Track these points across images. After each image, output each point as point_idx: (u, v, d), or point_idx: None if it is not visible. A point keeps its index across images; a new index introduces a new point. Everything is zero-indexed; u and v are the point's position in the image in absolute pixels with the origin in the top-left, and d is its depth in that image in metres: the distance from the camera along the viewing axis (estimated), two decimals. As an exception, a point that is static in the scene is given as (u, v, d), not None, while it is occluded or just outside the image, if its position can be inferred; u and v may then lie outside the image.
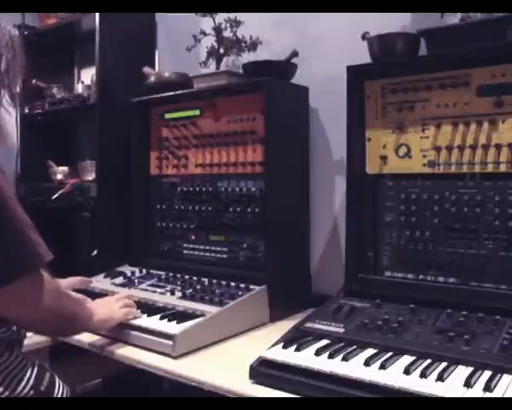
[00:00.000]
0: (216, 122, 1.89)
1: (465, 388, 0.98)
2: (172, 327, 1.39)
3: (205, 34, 1.92)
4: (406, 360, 1.13)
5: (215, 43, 1.91)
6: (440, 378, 1.02)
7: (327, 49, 1.86)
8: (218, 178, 1.88)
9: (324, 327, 1.31)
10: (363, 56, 1.53)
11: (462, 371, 1.06)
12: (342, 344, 1.23)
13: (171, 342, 1.34)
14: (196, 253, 1.96)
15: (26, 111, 2.49)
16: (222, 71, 1.87)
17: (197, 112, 1.94)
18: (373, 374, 1.06)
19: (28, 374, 1.12)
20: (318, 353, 1.17)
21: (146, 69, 2.10)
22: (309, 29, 1.91)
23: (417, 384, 1.01)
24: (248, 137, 1.78)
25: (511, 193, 1.35)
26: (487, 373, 1.04)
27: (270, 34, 1.93)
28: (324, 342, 1.25)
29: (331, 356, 1.15)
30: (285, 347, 1.22)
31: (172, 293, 1.68)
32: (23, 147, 2.53)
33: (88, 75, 2.47)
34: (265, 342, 1.29)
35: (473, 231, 1.40)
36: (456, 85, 1.41)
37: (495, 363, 1.06)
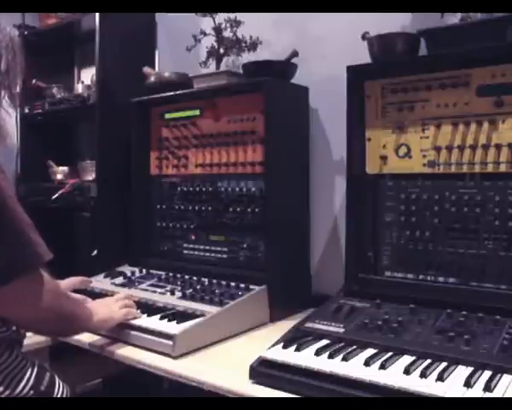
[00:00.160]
0: (216, 122, 1.89)
1: (465, 388, 0.98)
2: (172, 327, 1.39)
3: (205, 34, 1.92)
4: (406, 360, 1.13)
5: (215, 43, 1.91)
6: (440, 378, 1.02)
7: (327, 49, 1.86)
8: (218, 178, 1.88)
9: (324, 327, 1.31)
10: (363, 56, 1.53)
11: (462, 371, 1.06)
12: (342, 344, 1.23)
13: (171, 342, 1.34)
14: (196, 253, 1.96)
15: (26, 111, 2.49)
16: (222, 71, 1.87)
17: (197, 112, 1.94)
18: (373, 374, 1.06)
19: (28, 374, 1.12)
20: (318, 353, 1.17)
21: (146, 69, 2.10)
22: (309, 29, 1.91)
23: (417, 384, 1.01)
24: (248, 137, 1.78)
25: (511, 193, 1.35)
26: (487, 373, 1.04)
27: (270, 34, 1.93)
28: (324, 342, 1.25)
29: (331, 356, 1.15)
30: (285, 347, 1.22)
31: (172, 293, 1.68)
32: (23, 147, 2.53)
33: (88, 75, 2.47)
34: (265, 342, 1.29)
35: (473, 231, 1.40)
36: (456, 85, 1.41)
37: (495, 363, 1.06)
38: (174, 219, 2.03)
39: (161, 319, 1.47)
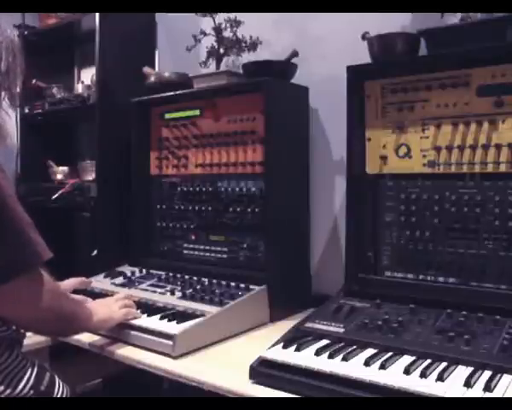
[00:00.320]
0: (216, 122, 1.89)
1: (465, 388, 0.98)
2: (172, 327, 1.39)
3: (205, 34, 1.92)
4: (406, 360, 1.13)
5: (215, 43, 1.91)
6: (440, 378, 1.02)
7: (327, 49, 1.86)
8: (218, 178, 1.88)
9: (324, 327, 1.31)
10: (363, 56, 1.53)
11: (462, 371, 1.06)
12: (342, 344, 1.23)
13: (171, 342, 1.34)
14: (196, 253, 1.96)
15: (26, 111, 2.49)
16: (222, 71, 1.87)
17: (197, 112, 1.94)
18: (373, 374, 1.06)
19: (28, 374, 1.13)
20: (318, 353, 1.17)
21: (146, 69, 2.10)
22: (309, 29, 1.91)
23: (417, 384, 1.01)
24: (248, 137, 1.78)
25: (511, 193, 1.35)
26: (487, 373, 1.04)
27: (270, 34, 1.93)
28: (324, 342, 1.25)
29: (331, 356, 1.15)
30: (285, 347, 1.22)
31: (172, 293, 1.68)
32: (23, 147, 2.53)
33: (88, 75, 2.47)
34: (265, 342, 1.29)
35: (473, 231, 1.40)
36: (456, 85, 1.41)
37: (495, 363, 1.06)
38: (174, 219, 2.03)
39: (161, 319, 1.47)
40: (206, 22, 1.93)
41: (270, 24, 1.97)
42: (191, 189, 1.97)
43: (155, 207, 2.09)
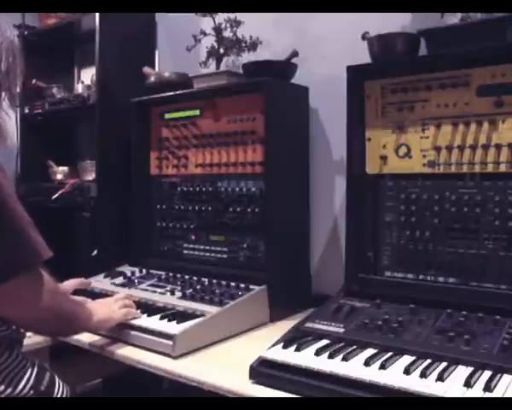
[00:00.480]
0: (216, 122, 1.89)
1: (465, 388, 0.98)
2: (172, 327, 1.39)
3: (205, 34, 1.92)
4: (406, 360, 1.13)
5: (215, 43, 1.91)
6: (440, 378, 1.02)
7: (327, 49, 1.86)
8: (218, 178, 1.88)
9: (324, 327, 1.31)
10: (363, 56, 1.53)
11: (462, 371, 1.06)
12: (342, 344, 1.23)
13: (171, 342, 1.34)
14: (196, 253, 1.96)
15: (26, 111, 2.49)
16: (222, 71, 1.87)
17: (197, 112, 1.94)
18: (373, 374, 1.06)
19: (28, 374, 1.13)
20: (318, 353, 1.17)
21: (146, 69, 2.10)
22: (309, 29, 1.91)
23: (417, 384, 1.01)
24: (248, 137, 1.78)
25: (511, 193, 1.35)
26: (487, 373, 1.04)
27: (270, 34, 1.93)
28: (324, 342, 1.25)
29: (331, 356, 1.15)
30: (285, 347, 1.22)
31: (172, 293, 1.68)
32: (23, 147, 2.53)
33: (88, 75, 2.47)
34: (265, 342, 1.29)
35: (473, 231, 1.40)
36: (456, 85, 1.41)
37: (495, 363, 1.06)
38: (174, 219, 2.03)
39: (161, 319, 1.47)
40: (206, 22, 1.93)
41: (270, 24, 1.97)
42: (191, 189, 1.97)
43: (155, 207, 2.09)
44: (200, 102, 1.92)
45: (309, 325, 1.34)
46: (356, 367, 1.10)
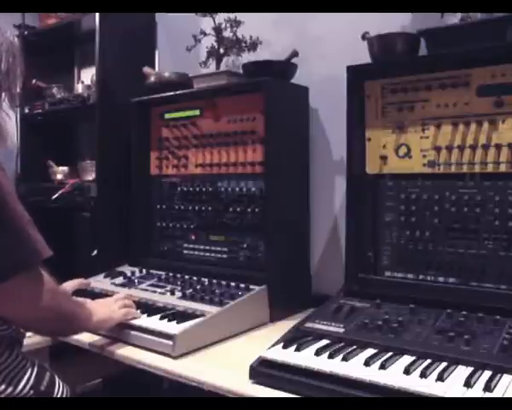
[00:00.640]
0: (216, 122, 1.89)
1: (465, 388, 0.98)
2: (172, 327, 1.39)
3: (205, 34, 1.92)
4: (406, 360, 1.13)
5: (215, 43, 1.91)
6: (440, 378, 1.02)
7: (327, 49, 1.86)
8: (218, 178, 1.88)
9: (324, 327, 1.31)
10: (363, 56, 1.53)
11: (462, 371, 1.06)
12: (342, 344, 1.23)
13: (171, 342, 1.34)
14: (196, 253, 1.96)
15: (26, 111, 2.49)
16: (222, 71, 1.87)
17: (197, 112, 1.94)
18: (373, 374, 1.06)
19: (28, 374, 1.13)
20: (318, 353, 1.17)
21: (146, 69, 2.10)
22: (309, 29, 1.91)
23: (417, 384, 1.01)
24: (248, 137, 1.78)
25: (511, 193, 1.35)
26: (487, 373, 1.04)
27: (270, 34, 1.93)
28: (324, 342, 1.25)
29: (331, 356, 1.15)
30: (285, 347, 1.22)
31: (172, 293, 1.68)
32: (23, 147, 2.53)
33: (88, 75, 2.47)
34: (265, 342, 1.29)
35: (473, 231, 1.40)
36: (456, 85, 1.41)
37: (495, 363, 1.06)
38: (174, 219, 2.03)
39: (161, 319, 1.47)
40: (206, 22, 1.93)
41: (270, 24, 1.97)
42: (191, 189, 1.97)
43: (155, 207, 2.09)
44: (200, 102, 1.92)
45: (309, 325, 1.34)
46: (356, 367, 1.10)
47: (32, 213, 1.09)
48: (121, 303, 1.48)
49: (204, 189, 1.93)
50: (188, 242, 1.99)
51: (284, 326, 1.43)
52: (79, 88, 2.46)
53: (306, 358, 1.16)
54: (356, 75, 1.54)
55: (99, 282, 1.88)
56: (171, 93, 1.95)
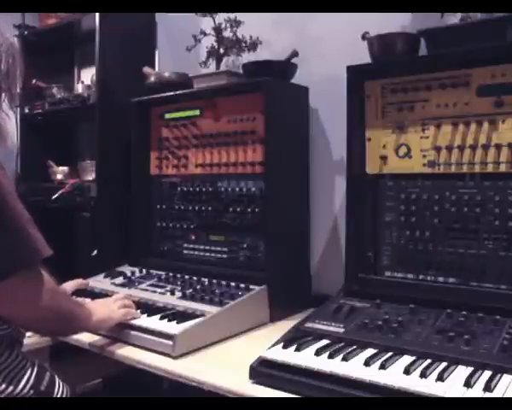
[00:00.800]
0: (216, 122, 1.89)
1: (465, 388, 0.98)
2: (172, 327, 1.39)
3: (205, 34, 1.92)
4: (406, 360, 1.13)
5: (215, 43, 1.91)
6: (440, 378, 1.02)
7: (327, 49, 1.86)
8: (218, 178, 1.88)
9: (324, 327, 1.31)
10: (363, 56, 1.53)
11: (462, 371, 1.06)
12: (342, 344, 1.22)
13: (171, 342, 1.34)
14: (196, 253, 1.96)
15: (26, 111, 2.49)
16: (222, 71, 1.87)
17: (197, 112, 1.94)
18: (373, 374, 1.06)
19: (28, 374, 1.13)
20: (318, 353, 1.17)
21: (146, 69, 2.10)
22: (309, 29, 1.91)
23: (417, 384, 1.01)
24: (248, 137, 1.78)
25: (511, 193, 1.35)
26: (487, 373, 1.04)
27: (270, 34, 1.93)
28: (324, 342, 1.25)
29: (331, 356, 1.15)
30: (285, 347, 1.22)
31: (172, 293, 1.68)
32: (23, 147, 2.53)
33: (88, 75, 2.47)
34: (265, 342, 1.29)
35: (473, 231, 1.40)
36: (456, 85, 1.41)
37: (495, 363, 1.06)
38: (174, 219, 2.03)
39: (161, 319, 1.47)
40: (206, 22, 1.93)
41: (270, 24, 1.97)
42: (191, 189, 1.97)
43: (155, 207, 2.09)
44: (200, 102, 1.92)
45: (309, 325, 1.34)
46: (356, 367, 1.10)
47: (32, 213, 1.09)
48: (121, 303, 1.48)
49: (204, 189, 1.93)
50: (188, 242, 1.99)
51: (284, 326, 1.43)
52: (79, 88, 2.46)
53: (306, 358, 1.16)
54: (356, 75, 1.54)
55: (99, 282, 1.88)
56: (171, 93, 1.95)
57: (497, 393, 0.96)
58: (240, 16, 1.88)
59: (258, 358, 1.20)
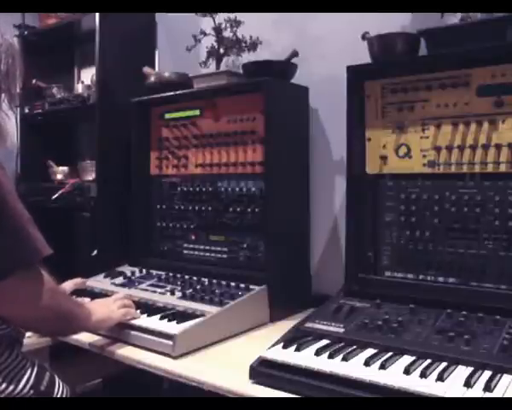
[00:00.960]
0: (216, 122, 1.89)
1: (465, 388, 0.98)
2: (172, 327, 1.39)
3: (205, 34, 1.92)
4: (406, 360, 1.13)
5: (215, 43, 1.91)
6: (440, 378, 1.02)
7: (327, 49, 1.86)
8: (218, 178, 1.88)
9: (324, 327, 1.31)
10: (363, 56, 1.53)
11: (462, 371, 1.06)
12: (342, 344, 1.22)
13: (171, 342, 1.34)
14: (196, 253, 1.96)
15: (26, 111, 2.49)
16: (222, 71, 1.87)
17: (197, 112, 1.94)
18: (373, 374, 1.06)
19: (28, 374, 1.13)
20: (318, 353, 1.17)
21: (146, 69, 2.10)
22: (309, 29, 1.91)
23: (417, 384, 1.00)
24: (248, 137, 1.78)
25: (511, 193, 1.35)
26: (487, 373, 1.04)
27: (270, 34, 1.93)
28: (324, 342, 1.25)
29: (331, 356, 1.15)
30: (285, 347, 1.22)
31: (172, 293, 1.68)
32: (23, 147, 2.53)
33: (88, 75, 2.47)
34: (265, 342, 1.29)
35: (473, 231, 1.40)
36: (456, 85, 1.41)
37: (495, 363, 1.06)
38: (174, 219, 2.03)
39: (161, 319, 1.47)
40: (206, 22, 1.93)
41: (270, 24, 1.97)
42: (191, 189, 1.97)
43: (155, 207, 2.09)
44: (200, 102, 1.92)
45: (309, 325, 1.34)
46: (356, 367, 1.10)
47: (32, 213, 1.09)
48: (120, 303, 1.48)
49: (204, 189, 1.93)
50: (188, 242, 1.99)
51: (284, 326, 1.43)
52: (79, 88, 2.46)
53: (306, 358, 1.16)
54: (356, 75, 1.54)
55: (99, 282, 1.88)
56: (171, 93, 1.95)
57: (497, 393, 0.96)
58: (240, 16, 1.88)
59: (258, 358, 1.20)
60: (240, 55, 1.91)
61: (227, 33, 1.89)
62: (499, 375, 1.03)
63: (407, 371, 1.05)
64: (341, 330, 1.29)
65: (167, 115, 2.05)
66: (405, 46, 1.48)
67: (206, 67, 1.95)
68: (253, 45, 1.87)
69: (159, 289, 1.73)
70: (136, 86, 2.08)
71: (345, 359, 1.13)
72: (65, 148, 2.64)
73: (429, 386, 1.00)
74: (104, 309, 1.42)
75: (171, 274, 1.87)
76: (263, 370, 1.17)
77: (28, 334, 1.27)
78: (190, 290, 1.67)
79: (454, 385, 0.99)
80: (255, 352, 1.22)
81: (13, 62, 1.16)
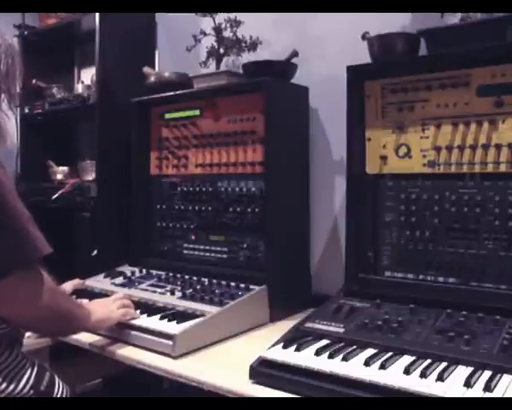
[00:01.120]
0: (216, 122, 1.89)
1: (465, 388, 0.98)
2: (172, 327, 1.39)
3: (205, 34, 1.92)
4: (406, 360, 1.13)
5: (215, 43, 1.91)
6: (440, 378, 1.02)
7: (327, 49, 1.86)
8: (218, 178, 1.88)
9: (324, 327, 1.31)
10: (363, 56, 1.53)
11: (462, 371, 1.06)
12: (342, 344, 1.22)
13: (171, 342, 1.34)
14: (196, 253, 1.96)
15: (26, 111, 2.49)
16: (222, 71, 1.87)
17: (197, 112, 1.94)
18: (373, 374, 1.06)
19: (28, 374, 1.13)
20: (318, 353, 1.17)
21: (146, 69, 2.10)
22: (309, 29, 1.91)
23: (417, 384, 1.00)
24: (248, 137, 1.78)
25: (511, 193, 1.35)
26: (487, 373, 1.04)
27: (270, 34, 1.93)
28: (324, 342, 1.25)
29: (331, 356, 1.15)
30: (285, 347, 1.22)
31: (172, 293, 1.68)
32: (23, 147, 2.53)
33: (88, 75, 2.47)
34: (265, 342, 1.29)
35: (473, 231, 1.40)
36: (456, 85, 1.41)
37: (495, 363, 1.06)
38: (174, 219, 2.03)
39: (161, 319, 1.47)
40: (206, 22, 1.93)
41: (270, 24, 1.97)
42: (191, 189, 1.97)
43: (155, 207, 2.09)
44: (200, 102, 1.92)
45: (309, 325, 1.34)
46: (356, 367, 1.10)
47: (32, 213, 1.09)
48: (120, 303, 1.48)
49: (204, 189, 1.93)
50: (188, 242, 1.99)
51: (284, 326, 1.43)
52: (79, 88, 2.46)
53: (306, 358, 1.16)
54: (356, 75, 1.54)
55: (99, 282, 1.88)
56: (171, 93, 1.95)
57: (497, 393, 0.96)
58: (240, 16, 1.88)
59: (259, 358, 1.20)
60: (240, 55, 1.91)
61: (227, 33, 1.89)
62: (499, 375, 1.03)
63: (407, 371, 1.05)
64: (341, 330, 1.29)
65: (167, 115, 2.05)
66: (405, 46, 1.48)
67: (206, 67, 1.95)
68: (253, 45, 1.87)
69: (159, 289, 1.73)
70: (136, 86, 2.08)
71: (345, 359, 1.13)
72: (65, 148, 2.64)
73: (429, 386, 1.00)
74: (103, 309, 1.42)
75: (171, 274, 1.87)
76: (263, 370, 1.17)
77: (28, 334, 1.27)
78: (190, 290, 1.67)
79: (454, 385, 0.99)
80: (255, 352, 1.22)
81: (12, 62, 1.17)
